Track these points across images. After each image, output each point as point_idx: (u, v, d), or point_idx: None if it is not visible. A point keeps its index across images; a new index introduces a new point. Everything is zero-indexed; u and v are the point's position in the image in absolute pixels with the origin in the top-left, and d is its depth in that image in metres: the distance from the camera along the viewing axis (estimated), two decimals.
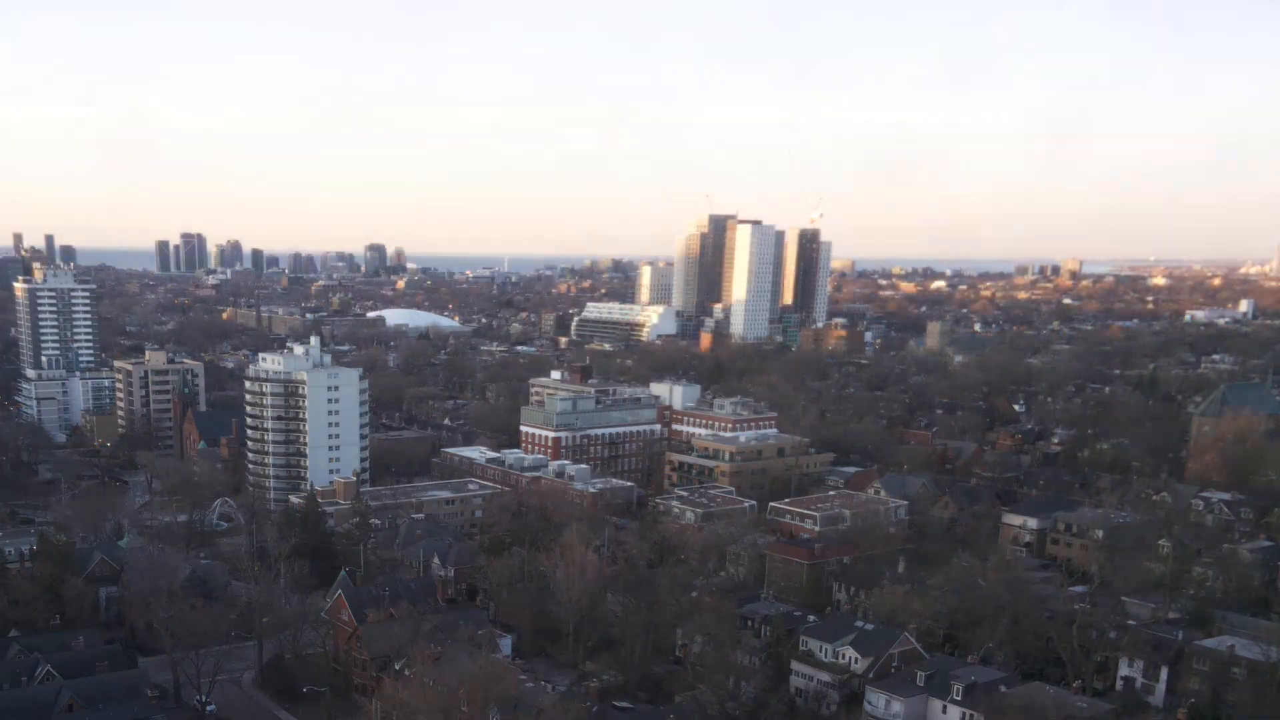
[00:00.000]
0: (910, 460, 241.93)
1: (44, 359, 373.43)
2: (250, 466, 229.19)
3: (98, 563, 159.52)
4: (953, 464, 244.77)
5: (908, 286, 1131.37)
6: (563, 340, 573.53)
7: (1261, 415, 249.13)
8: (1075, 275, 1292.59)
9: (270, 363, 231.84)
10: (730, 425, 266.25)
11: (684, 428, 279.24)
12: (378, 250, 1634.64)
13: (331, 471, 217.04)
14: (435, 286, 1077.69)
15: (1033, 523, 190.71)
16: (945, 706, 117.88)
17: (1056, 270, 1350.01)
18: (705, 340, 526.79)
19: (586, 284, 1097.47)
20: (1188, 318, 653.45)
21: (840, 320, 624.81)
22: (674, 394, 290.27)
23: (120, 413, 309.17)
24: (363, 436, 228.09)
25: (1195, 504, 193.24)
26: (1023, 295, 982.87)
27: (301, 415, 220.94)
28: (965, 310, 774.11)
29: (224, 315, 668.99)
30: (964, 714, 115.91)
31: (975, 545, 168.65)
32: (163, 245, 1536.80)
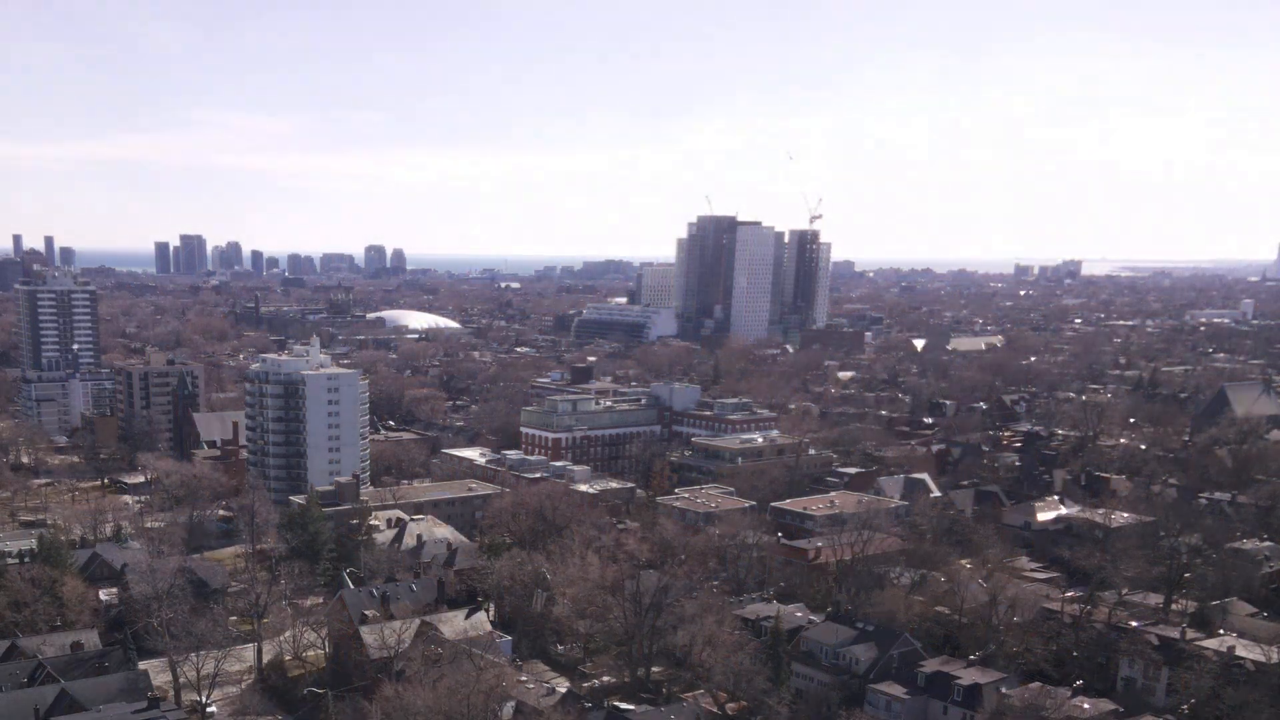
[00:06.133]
0: (910, 460, 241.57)
1: (44, 360, 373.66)
2: (250, 467, 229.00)
3: (97, 564, 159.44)
4: (953, 464, 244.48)
5: (908, 286, 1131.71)
6: (563, 341, 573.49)
7: (1261, 415, 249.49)
8: (1075, 275, 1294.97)
9: (270, 364, 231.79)
10: (730, 425, 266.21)
11: (684, 428, 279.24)
12: (377, 251, 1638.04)
13: (331, 472, 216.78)
14: (435, 287, 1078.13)
15: (1033, 523, 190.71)
16: (946, 707, 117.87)
17: (1057, 270, 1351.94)
18: (705, 341, 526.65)
19: (586, 284, 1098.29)
20: (1188, 318, 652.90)
21: (840, 321, 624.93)
22: (674, 394, 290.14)
23: (120, 414, 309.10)
24: (362, 437, 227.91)
25: (1196, 504, 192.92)
26: (1023, 295, 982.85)
27: (301, 416, 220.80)
28: (965, 310, 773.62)
29: (223, 316, 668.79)
30: (964, 714, 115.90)
31: (976, 545, 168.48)
32: (162, 246, 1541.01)
